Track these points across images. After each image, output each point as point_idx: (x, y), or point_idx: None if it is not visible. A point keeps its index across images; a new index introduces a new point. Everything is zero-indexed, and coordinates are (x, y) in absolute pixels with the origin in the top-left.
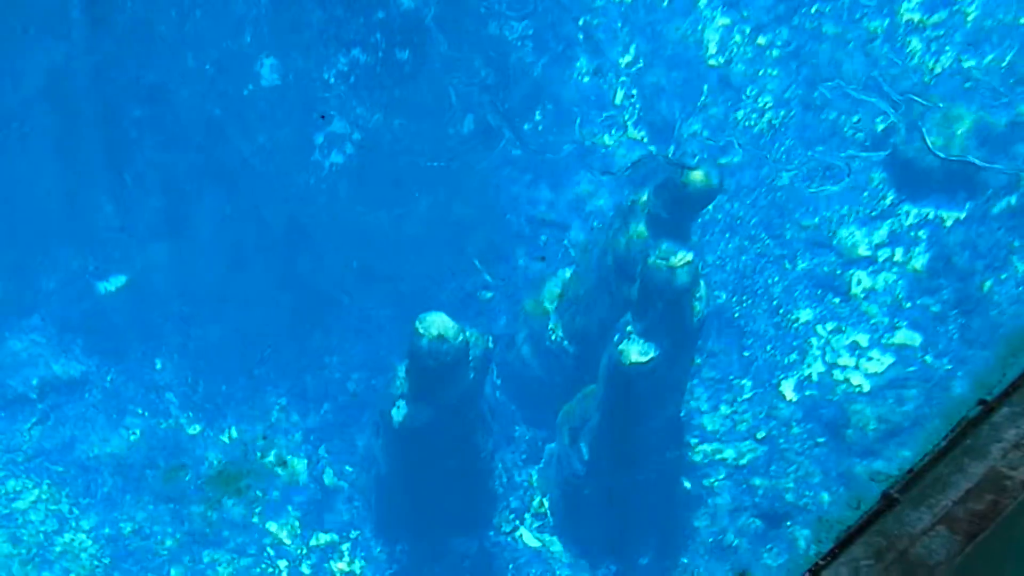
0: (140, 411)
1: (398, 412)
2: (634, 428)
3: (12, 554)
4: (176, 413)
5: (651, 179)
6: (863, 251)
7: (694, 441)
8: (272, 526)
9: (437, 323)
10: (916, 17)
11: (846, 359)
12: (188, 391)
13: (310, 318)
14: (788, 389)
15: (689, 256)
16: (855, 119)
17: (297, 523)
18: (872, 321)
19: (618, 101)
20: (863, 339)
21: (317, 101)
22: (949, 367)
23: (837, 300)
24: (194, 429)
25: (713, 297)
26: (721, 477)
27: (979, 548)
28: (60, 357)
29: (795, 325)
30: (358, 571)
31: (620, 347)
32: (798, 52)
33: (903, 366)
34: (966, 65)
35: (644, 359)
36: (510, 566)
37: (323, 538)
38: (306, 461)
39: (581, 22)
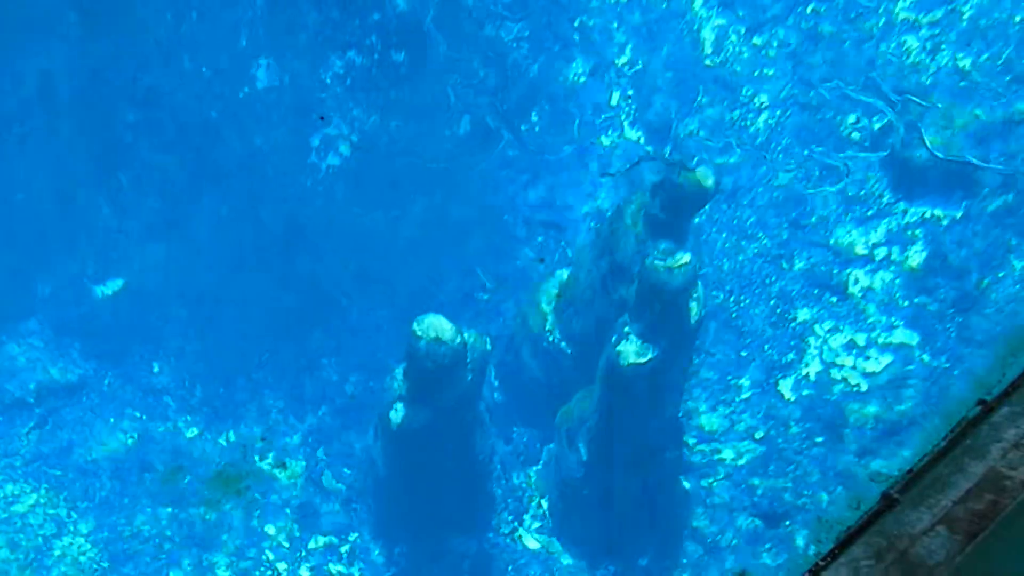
0: (138, 414)
1: (396, 414)
2: (632, 429)
3: (10, 559)
4: (174, 416)
5: (649, 180)
6: (860, 250)
7: (692, 441)
8: (271, 529)
9: (435, 325)
10: (912, 16)
11: (844, 358)
12: (186, 394)
13: (307, 320)
14: (786, 389)
15: (687, 257)
16: (852, 119)
17: (296, 526)
18: (869, 320)
19: (614, 102)
20: (861, 338)
21: (313, 103)
22: (947, 366)
23: (834, 299)
24: (192, 432)
25: (711, 297)
26: (720, 477)
27: (979, 548)
28: (57, 361)
29: (793, 325)
30: (357, 573)
31: (618, 348)
32: (794, 52)
33: (901, 365)
34: (962, 64)
35: (642, 360)
36: (509, 567)
37: (321, 540)
38: (304, 463)
39: (577, 23)
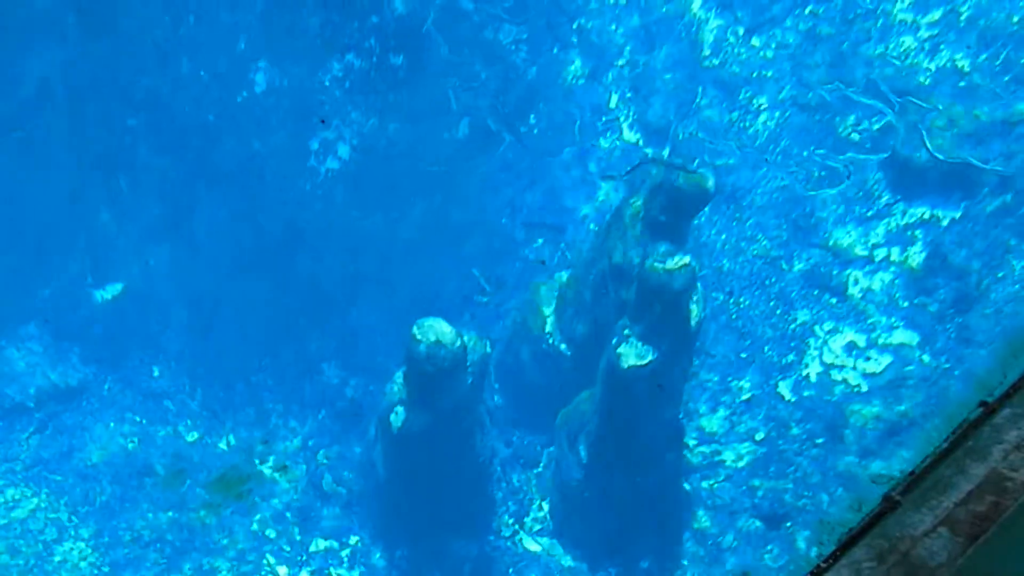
0: (138, 419)
1: (396, 418)
2: (633, 431)
3: (11, 564)
4: (174, 420)
5: (649, 182)
6: (859, 251)
7: (693, 443)
8: (271, 533)
9: (435, 329)
10: (910, 17)
11: (844, 359)
12: (186, 398)
13: (307, 324)
14: (786, 390)
15: (686, 259)
16: (851, 120)
17: (296, 530)
18: (869, 321)
19: (613, 103)
20: (860, 339)
21: (312, 107)
22: (947, 366)
23: (834, 300)
24: (192, 436)
25: (710, 299)
26: (720, 478)
27: (981, 549)
28: (57, 365)
29: (792, 326)
30: None
31: (618, 350)
32: (793, 53)
33: (901, 366)
34: (960, 64)
35: (642, 362)
36: (510, 571)
37: (322, 544)
38: (305, 467)
39: (575, 25)
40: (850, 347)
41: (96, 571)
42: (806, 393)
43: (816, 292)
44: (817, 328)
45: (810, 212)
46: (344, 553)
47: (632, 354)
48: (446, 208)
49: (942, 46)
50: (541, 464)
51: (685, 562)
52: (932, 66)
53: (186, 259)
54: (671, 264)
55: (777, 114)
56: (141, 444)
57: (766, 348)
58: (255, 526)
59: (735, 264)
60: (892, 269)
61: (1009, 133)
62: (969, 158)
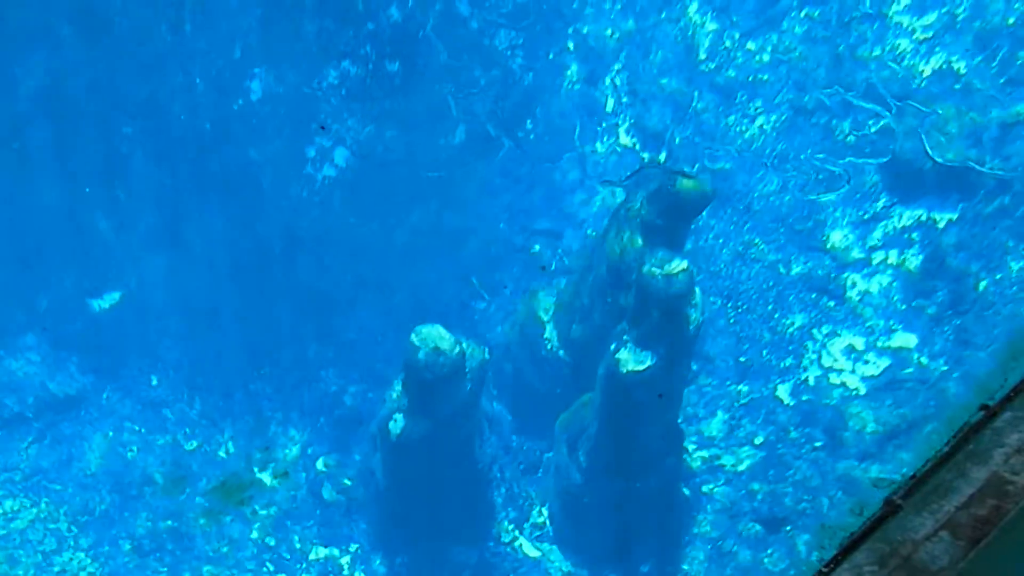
0: (137, 428)
1: (395, 425)
2: (632, 436)
3: (10, 575)
4: (173, 429)
5: (646, 187)
6: (857, 254)
7: (692, 447)
8: (272, 541)
9: (433, 336)
10: (906, 20)
11: (842, 362)
12: (185, 407)
13: (305, 331)
14: (785, 394)
15: (684, 264)
16: (847, 123)
17: (297, 538)
18: (867, 324)
19: (610, 108)
20: (859, 342)
21: (308, 114)
22: (945, 368)
23: (832, 303)
24: (191, 445)
25: (708, 303)
26: (720, 483)
27: (982, 553)
28: (56, 375)
29: (790, 329)
30: None
31: (617, 355)
32: (789, 57)
33: (899, 368)
34: (956, 67)
35: (641, 367)
36: None
37: (322, 552)
38: (304, 475)
39: (571, 30)
40: (848, 350)
41: None
42: (805, 397)
43: (814, 295)
44: (815, 331)
45: (807, 215)
46: (344, 560)
47: (631, 359)
48: (443, 214)
49: (938, 48)
50: (540, 470)
51: (685, 566)
52: (928, 68)
53: (184, 267)
54: (669, 269)
55: (774, 118)
56: (140, 453)
57: (764, 352)
58: (255, 534)
59: (733, 268)
60: (890, 272)
61: (1006, 135)
62: (970, 161)
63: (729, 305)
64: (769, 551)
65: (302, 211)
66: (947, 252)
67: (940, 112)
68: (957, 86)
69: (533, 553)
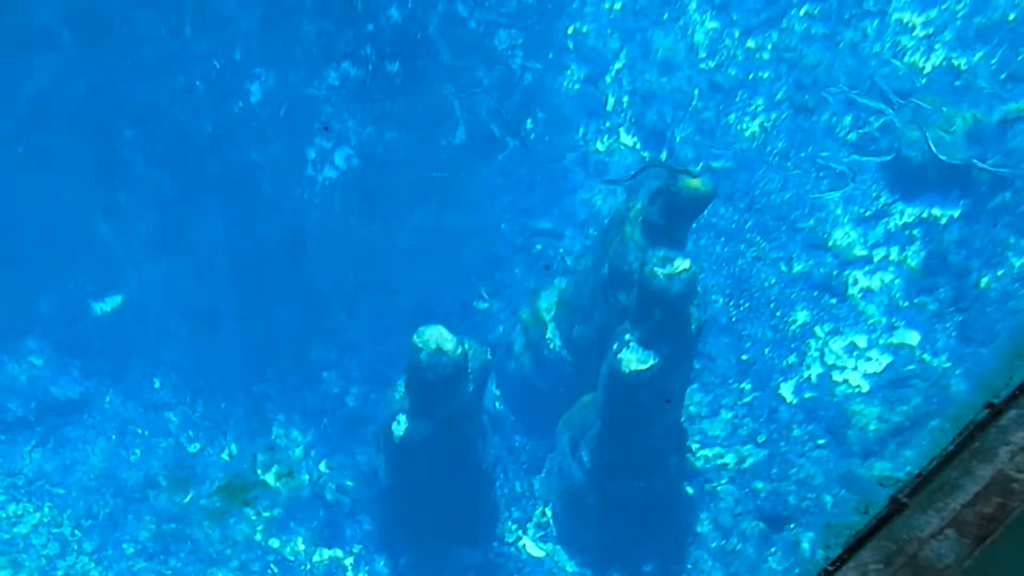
0: (140, 431)
1: (398, 426)
2: (635, 435)
3: None
4: (176, 432)
5: (648, 186)
6: (859, 251)
7: (695, 446)
8: (275, 543)
9: (435, 336)
10: (906, 17)
11: (845, 360)
12: (187, 409)
13: (307, 333)
14: (787, 392)
15: (686, 263)
16: (847, 120)
17: (300, 539)
18: (870, 321)
19: (610, 107)
20: (861, 339)
21: (309, 116)
22: (948, 365)
23: (834, 301)
24: (194, 447)
25: (710, 302)
26: (723, 481)
27: (988, 551)
28: (58, 379)
29: (793, 327)
30: None
31: (619, 355)
32: (788, 55)
33: (902, 365)
34: (957, 63)
35: (643, 367)
36: None
37: (327, 554)
38: (307, 477)
39: (571, 30)
40: (851, 348)
41: None
42: (807, 394)
43: (816, 293)
44: (817, 329)
45: (809, 213)
46: (348, 561)
47: (633, 359)
48: (444, 215)
49: (938, 45)
50: (544, 470)
51: (689, 566)
52: (929, 65)
53: (185, 270)
54: (671, 269)
55: (774, 115)
56: (143, 456)
57: (767, 350)
58: (258, 536)
59: (735, 267)
60: (892, 269)
61: (1007, 131)
62: (974, 159)
63: (731, 304)
64: (773, 549)
65: (303, 213)
66: (949, 249)
67: (939, 108)
68: (958, 83)
69: (537, 553)
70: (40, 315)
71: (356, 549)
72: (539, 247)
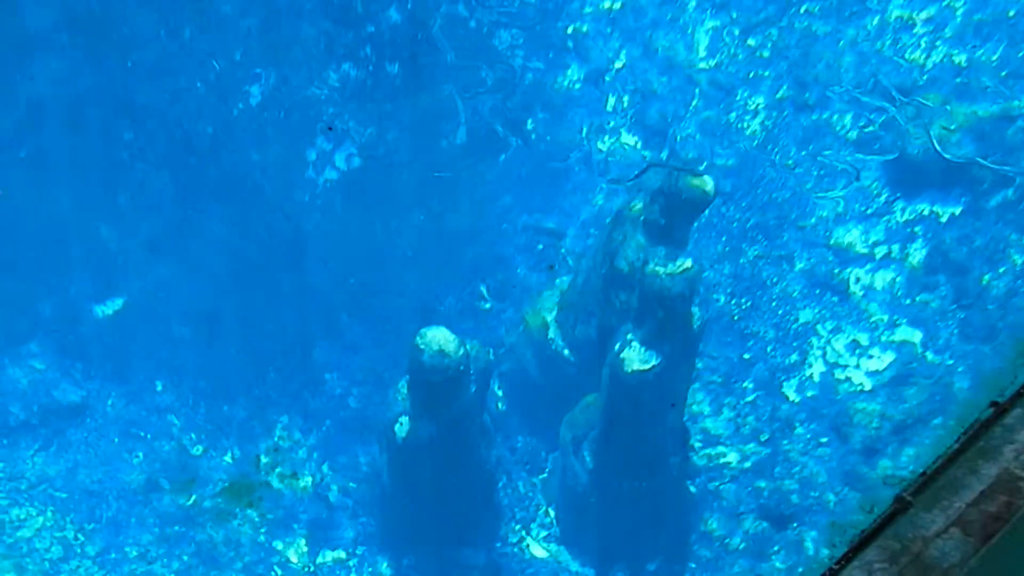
0: (142, 434)
1: (401, 428)
2: (637, 435)
3: None
4: (179, 435)
5: (649, 185)
6: (860, 249)
7: (698, 445)
8: (279, 545)
9: (437, 338)
10: (906, 14)
11: (847, 358)
12: (190, 412)
13: (309, 335)
14: (790, 390)
15: (688, 263)
16: (848, 119)
17: (304, 541)
18: (872, 319)
19: (610, 107)
20: (863, 337)
21: (309, 117)
22: (950, 362)
23: (836, 299)
24: (197, 450)
25: (712, 301)
26: (726, 480)
27: (993, 550)
28: (60, 382)
29: (795, 326)
30: None
31: (621, 355)
32: (789, 53)
33: (904, 363)
34: (957, 60)
35: (645, 367)
36: None
37: (330, 555)
38: (310, 479)
39: (570, 29)
40: (853, 346)
41: None
42: (810, 393)
43: (818, 291)
44: (820, 327)
45: (810, 211)
46: (351, 563)
47: (635, 359)
48: (446, 215)
49: (938, 42)
50: (546, 470)
51: (692, 565)
52: (930, 62)
53: (186, 272)
54: (673, 268)
55: (775, 114)
56: (146, 459)
57: (769, 349)
58: (262, 538)
59: (736, 266)
60: (893, 267)
61: (1007, 128)
62: (977, 158)
63: (733, 302)
64: (776, 548)
65: (304, 214)
66: (950, 247)
67: (939, 106)
68: (959, 80)
69: (540, 553)
70: (42, 319)
71: (359, 550)
72: (541, 247)
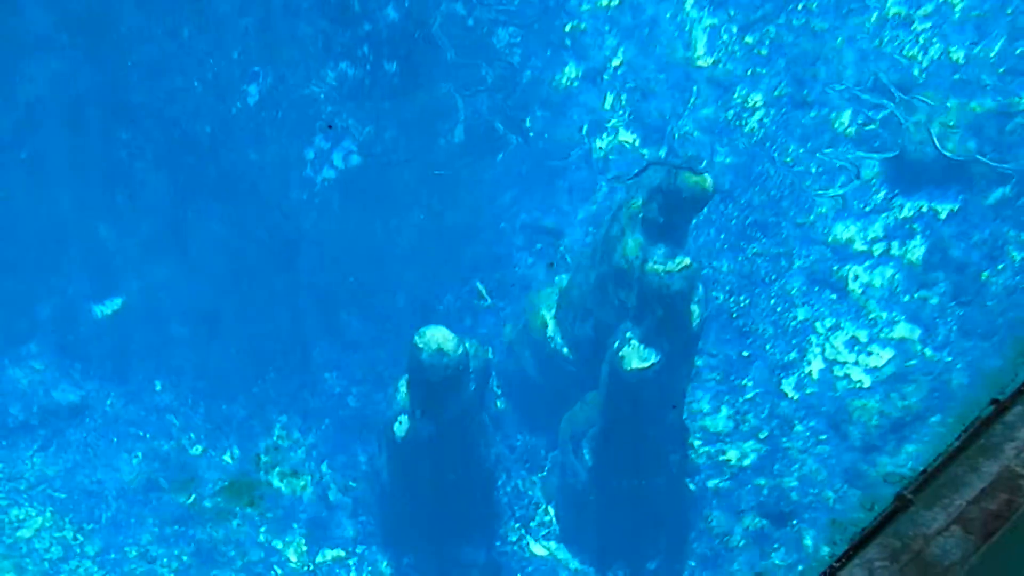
0: (142, 433)
1: (400, 427)
2: (637, 433)
3: None
4: (178, 434)
5: (648, 183)
6: (859, 246)
7: (697, 443)
8: (278, 544)
9: (436, 337)
10: (904, 11)
11: (846, 355)
12: (189, 412)
13: (308, 334)
14: (789, 387)
15: (687, 260)
16: (846, 116)
17: (303, 540)
18: (870, 316)
19: (608, 105)
20: (862, 334)
21: (307, 116)
22: (949, 359)
23: (835, 296)
24: (197, 450)
25: (711, 299)
26: (725, 478)
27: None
28: (59, 383)
29: (793, 323)
30: None
31: (620, 353)
32: (787, 50)
33: (903, 360)
34: (955, 56)
35: (644, 365)
36: (518, 575)
37: (329, 554)
38: (309, 478)
39: (568, 27)
40: (852, 343)
41: None
42: (809, 390)
43: (816, 288)
44: (818, 324)
45: (809, 208)
46: (351, 562)
47: (635, 357)
48: (445, 214)
49: (936, 39)
50: (546, 468)
51: (692, 562)
52: (927, 59)
53: (185, 272)
54: (671, 266)
55: (773, 111)
56: (145, 459)
57: (768, 346)
58: (262, 537)
59: (735, 263)
60: (892, 263)
61: (1006, 124)
62: (978, 155)
63: (731, 300)
64: (776, 546)
65: (303, 213)
66: (949, 243)
67: (936, 103)
68: (956, 76)
69: (540, 552)
70: (40, 319)
71: (359, 549)
72: (539, 245)
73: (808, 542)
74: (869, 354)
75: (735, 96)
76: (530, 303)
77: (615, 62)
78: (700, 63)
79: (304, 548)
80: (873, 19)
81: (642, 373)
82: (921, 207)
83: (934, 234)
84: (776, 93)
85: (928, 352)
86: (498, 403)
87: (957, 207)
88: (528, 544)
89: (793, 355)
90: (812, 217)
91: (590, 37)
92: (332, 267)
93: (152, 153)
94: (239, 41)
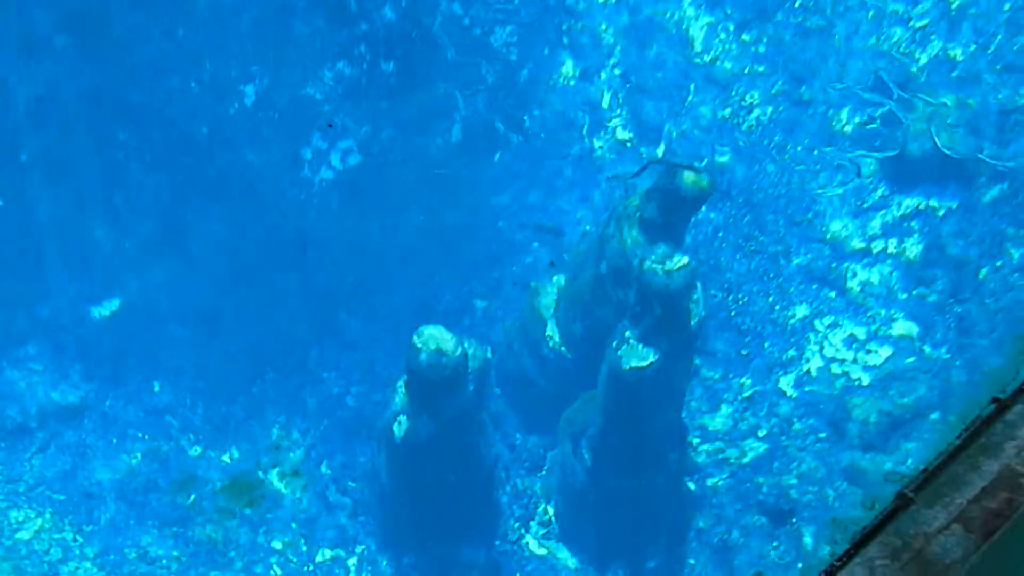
0: (140, 435)
1: (399, 427)
2: (636, 432)
3: None
4: (176, 435)
5: (646, 182)
6: (857, 244)
7: (696, 442)
8: (278, 544)
9: (435, 337)
10: (900, 8)
11: (844, 353)
12: (188, 413)
13: (307, 334)
14: (788, 385)
15: (685, 259)
16: (844, 114)
17: (302, 540)
18: (869, 313)
19: (605, 103)
20: (860, 332)
21: (305, 116)
22: (947, 356)
23: (833, 294)
24: (195, 451)
25: (709, 297)
26: (724, 476)
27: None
28: (58, 384)
29: (792, 321)
30: None
31: (619, 352)
32: (784, 48)
33: (902, 357)
34: (952, 54)
35: (643, 364)
36: (517, 575)
37: (329, 554)
38: (309, 478)
39: (565, 26)
40: (850, 340)
41: None
42: (808, 388)
43: (815, 286)
44: (817, 322)
45: (807, 206)
46: (351, 562)
47: (633, 356)
48: (443, 213)
49: (933, 36)
50: (545, 467)
51: (692, 561)
52: (925, 57)
53: (183, 272)
54: (669, 265)
55: (770, 109)
56: (144, 460)
57: (766, 344)
58: (261, 538)
59: (733, 261)
60: (890, 261)
61: (1003, 122)
62: (978, 154)
63: (730, 298)
64: (775, 543)
65: (301, 213)
66: (947, 240)
67: (935, 100)
68: (954, 74)
69: (539, 551)
70: (39, 321)
71: (359, 549)
72: (537, 245)
73: (808, 540)
74: (868, 352)
75: (733, 94)
76: (529, 302)
77: (612, 61)
78: (697, 61)
79: (303, 548)
80: (870, 16)
81: (641, 372)
82: (919, 204)
83: (932, 231)
84: (774, 91)
85: (927, 349)
86: (497, 402)
87: (955, 204)
88: (527, 543)
89: (792, 353)
90: (810, 215)
91: (588, 36)
92: (331, 267)
93: (150, 154)
94: (236, 41)
